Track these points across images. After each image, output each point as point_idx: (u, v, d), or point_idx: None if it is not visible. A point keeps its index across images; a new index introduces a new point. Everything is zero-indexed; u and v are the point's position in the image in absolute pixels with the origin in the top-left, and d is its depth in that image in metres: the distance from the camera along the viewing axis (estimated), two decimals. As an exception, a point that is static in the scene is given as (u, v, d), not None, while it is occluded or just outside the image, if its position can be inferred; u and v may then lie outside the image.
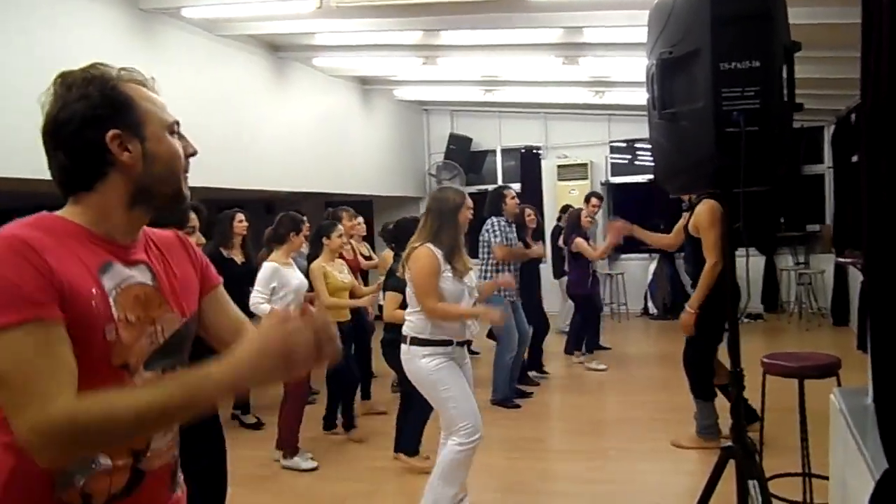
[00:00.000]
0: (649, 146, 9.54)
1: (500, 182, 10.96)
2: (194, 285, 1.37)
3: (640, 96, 8.26)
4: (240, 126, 6.59)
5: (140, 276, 1.22)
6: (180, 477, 1.36)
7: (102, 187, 1.20)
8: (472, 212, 3.40)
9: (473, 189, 10.78)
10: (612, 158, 10.42)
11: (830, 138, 9.15)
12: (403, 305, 3.68)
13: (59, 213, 1.21)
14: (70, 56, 5.48)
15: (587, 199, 7.85)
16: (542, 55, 7.06)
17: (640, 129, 9.81)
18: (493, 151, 11.02)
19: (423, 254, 3.20)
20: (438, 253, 3.20)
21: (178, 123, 1.28)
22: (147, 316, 1.20)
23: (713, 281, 4.04)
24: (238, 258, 5.33)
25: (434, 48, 7.08)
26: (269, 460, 4.47)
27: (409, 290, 3.33)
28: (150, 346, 1.20)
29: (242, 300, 4.35)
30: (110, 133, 1.18)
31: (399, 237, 4.42)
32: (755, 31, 1.92)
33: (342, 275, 4.87)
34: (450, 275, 3.21)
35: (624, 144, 10.46)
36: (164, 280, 1.26)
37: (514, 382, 5.82)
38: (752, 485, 2.19)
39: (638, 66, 6.86)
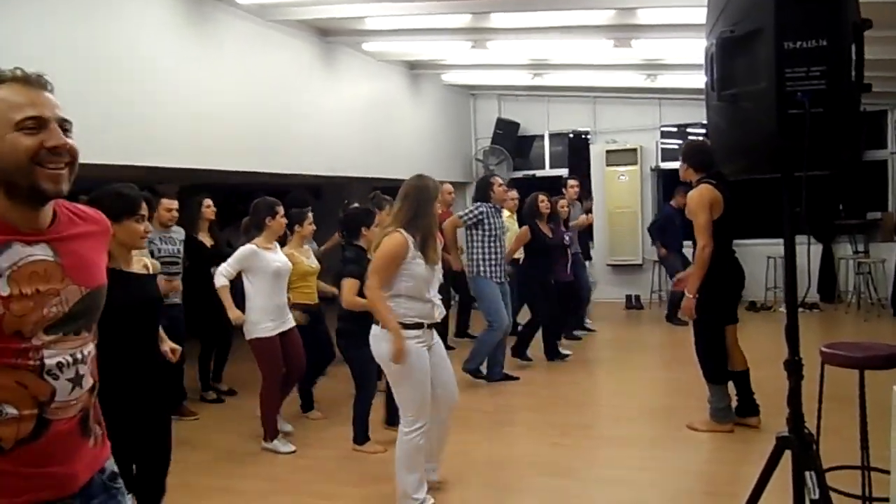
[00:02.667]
0: (702, 131, 9.46)
1: (547, 168, 10.89)
2: (100, 266, 1.52)
3: (694, 79, 8.06)
4: (289, 111, 6.67)
5: (41, 253, 1.38)
6: (97, 430, 1.52)
7: None
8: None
9: (520, 174, 10.74)
10: (662, 143, 10.21)
11: (894, 123, 8.79)
12: (360, 294, 3.83)
13: None
14: (126, 44, 5.67)
15: (564, 184, 8.01)
16: (593, 37, 6.95)
17: (692, 114, 9.62)
18: (541, 136, 10.91)
19: (395, 238, 3.27)
20: (410, 240, 3.28)
21: (36, 119, 1.36)
22: (49, 289, 1.38)
23: (705, 264, 4.18)
24: (207, 241, 5.56)
25: (483, 31, 7.03)
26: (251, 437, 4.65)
27: None
28: (54, 314, 1.38)
29: (209, 282, 4.51)
30: None
31: (349, 226, 4.52)
32: (822, 8, 1.85)
33: (309, 260, 5.02)
34: (421, 261, 3.29)
35: (675, 129, 10.23)
36: (67, 257, 1.43)
37: (498, 366, 5.96)
38: (809, 476, 2.14)
39: (692, 48, 6.70)
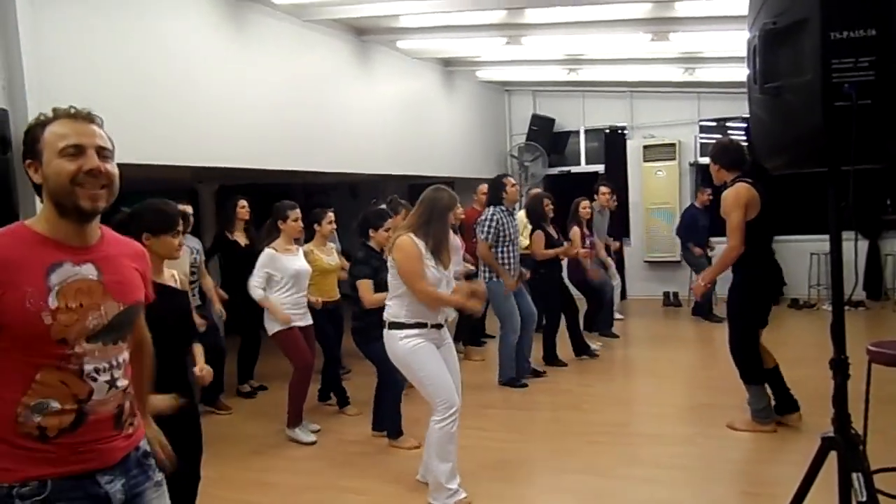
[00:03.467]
0: (742, 125, 9.32)
1: (583, 164, 10.80)
2: (137, 284, 1.75)
3: (734, 72, 7.91)
4: (325, 110, 6.73)
5: (86, 272, 1.61)
6: (133, 421, 1.74)
7: (45, 202, 1.61)
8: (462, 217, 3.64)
9: (555, 171, 10.66)
10: (701, 138, 10.04)
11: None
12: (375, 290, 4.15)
13: (28, 221, 1.62)
14: (167, 47, 5.78)
15: (596, 190, 7.96)
16: (630, 31, 6.85)
17: (731, 108, 9.43)
18: (577, 132, 10.81)
19: (406, 242, 3.42)
20: (420, 243, 3.42)
21: (76, 147, 1.57)
22: (91, 302, 1.60)
23: (729, 262, 4.17)
24: (241, 241, 5.71)
25: (518, 27, 6.99)
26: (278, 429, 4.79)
27: (389, 276, 3.52)
28: (96, 325, 1.60)
29: (244, 279, 4.74)
30: (26, 162, 1.61)
31: (360, 227, 4.67)
32: (871, -4, 1.80)
33: (329, 258, 5.16)
34: (432, 264, 3.44)
35: (714, 123, 10.05)
36: (109, 276, 1.64)
37: (526, 362, 5.96)
38: (856, 477, 2.09)
39: (733, 41, 6.58)
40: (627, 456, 4.20)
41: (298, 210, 4.77)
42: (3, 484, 1.52)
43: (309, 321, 4.77)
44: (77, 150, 1.57)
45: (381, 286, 4.25)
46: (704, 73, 8.68)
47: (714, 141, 9.08)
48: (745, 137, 9.78)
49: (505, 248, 5.73)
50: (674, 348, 7.24)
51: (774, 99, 1.98)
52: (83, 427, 1.59)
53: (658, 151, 9.90)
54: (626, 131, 10.37)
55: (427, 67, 8.63)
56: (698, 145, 9.97)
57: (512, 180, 5.94)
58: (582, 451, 4.28)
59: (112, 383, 1.64)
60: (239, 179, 8.36)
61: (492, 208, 5.78)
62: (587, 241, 6.95)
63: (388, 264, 3.52)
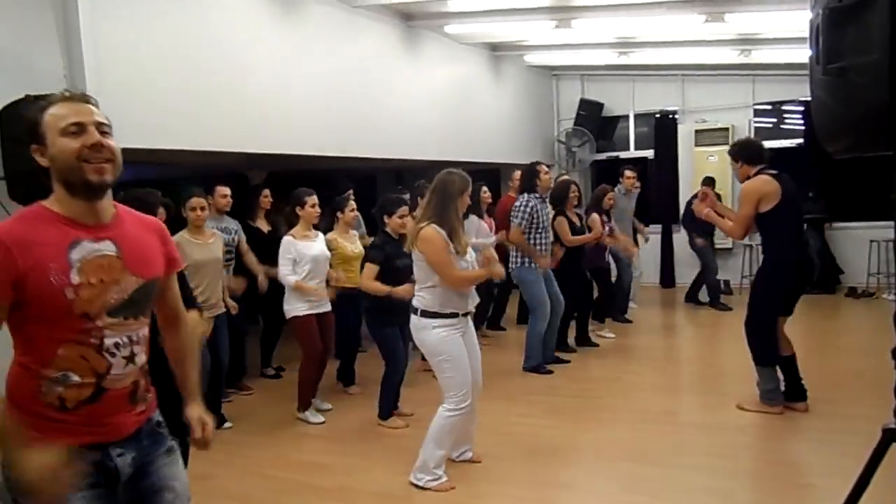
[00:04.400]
0: (799, 108, 9.04)
1: (632, 149, 10.63)
2: (156, 260, 1.81)
3: (792, 54, 7.66)
4: (372, 96, 6.77)
5: (105, 248, 1.67)
6: (147, 397, 1.82)
7: (55, 184, 1.67)
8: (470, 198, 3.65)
9: (603, 156, 10.52)
10: (755, 122, 9.76)
11: None
12: (378, 278, 4.36)
13: (45, 202, 1.67)
14: (215, 33, 5.87)
15: (622, 173, 7.95)
16: (683, 13, 6.68)
17: (788, 90, 9.14)
18: (626, 117, 10.63)
19: (432, 233, 3.45)
20: (442, 232, 3.46)
21: (77, 125, 1.63)
22: (111, 278, 1.66)
23: (727, 234, 4.63)
24: (264, 227, 5.91)
25: (567, 10, 6.90)
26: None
27: (417, 267, 3.57)
28: (116, 300, 1.67)
29: (266, 261, 5.01)
30: (32, 147, 1.67)
31: (378, 213, 4.71)
32: (944, -29, 1.72)
33: (352, 245, 5.27)
34: (455, 254, 3.47)
35: (769, 107, 9.76)
36: (127, 252, 1.71)
37: (550, 350, 6.04)
38: (919, 471, 2.03)
39: (791, 21, 6.36)
40: (676, 444, 4.16)
41: (315, 196, 4.87)
42: None
43: (327, 308, 4.87)
44: (78, 128, 1.63)
45: (392, 272, 4.38)
46: (761, 55, 8.42)
47: (772, 124, 8.88)
48: (801, 121, 9.48)
49: (538, 235, 5.79)
50: (723, 337, 7.10)
51: (838, 80, 1.91)
52: (101, 400, 1.68)
53: (710, 136, 9.67)
54: (677, 115, 10.15)
55: (474, 52, 8.60)
56: (753, 129, 9.70)
57: (545, 167, 5.97)
58: (629, 439, 4.25)
59: (130, 359, 1.72)
60: (288, 166, 8.48)
61: (526, 195, 5.83)
62: (607, 228, 6.92)
63: (414, 257, 3.56)
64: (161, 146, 4.80)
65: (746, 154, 4.53)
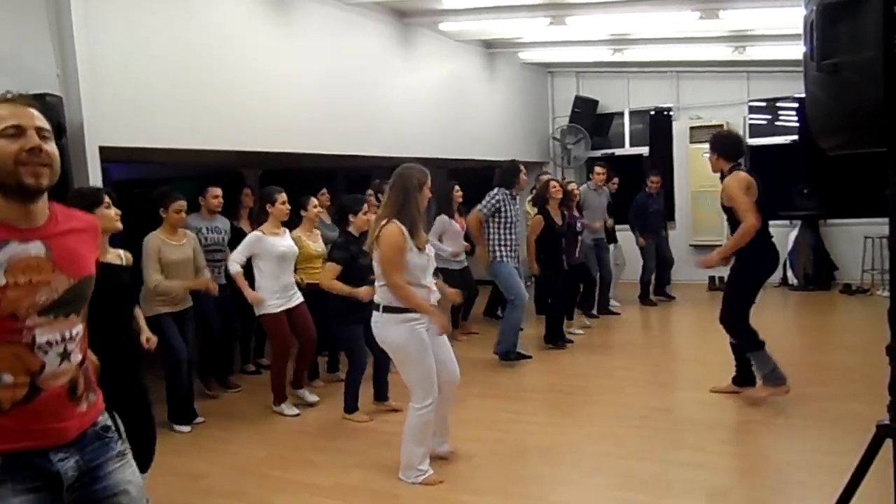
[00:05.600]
0: (793, 105, 9.06)
1: (627, 146, 10.64)
2: (88, 259, 1.79)
3: (787, 50, 7.66)
4: (367, 94, 6.76)
5: (34, 250, 1.65)
6: (90, 396, 1.79)
7: None
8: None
9: (598, 153, 10.52)
10: (750, 119, 9.78)
11: None
12: (339, 278, 4.49)
13: None
14: (210, 31, 5.87)
15: (590, 170, 8.20)
16: (677, 9, 6.69)
17: (783, 87, 9.16)
18: (620, 114, 10.64)
19: (393, 231, 3.43)
20: (405, 230, 3.44)
21: (16, 127, 1.62)
22: (41, 279, 1.64)
23: (746, 239, 4.38)
24: (246, 228, 5.88)
25: (562, 6, 6.88)
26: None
27: (377, 265, 3.54)
28: (46, 300, 1.65)
29: (249, 264, 4.87)
30: None
31: (339, 213, 4.88)
32: (938, -32, 1.72)
33: (315, 244, 5.35)
34: (414, 249, 3.46)
35: (764, 104, 9.78)
36: (58, 252, 1.69)
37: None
38: (913, 467, 2.04)
39: (786, 17, 6.36)
40: (674, 441, 4.16)
41: (285, 194, 4.96)
42: None
43: (298, 300, 4.96)
44: (17, 131, 1.62)
45: (356, 271, 4.48)
46: (755, 52, 8.42)
47: (766, 121, 8.92)
48: (796, 117, 9.50)
49: (506, 231, 5.93)
50: (719, 333, 7.11)
51: (832, 76, 1.92)
52: (36, 400, 1.64)
53: (705, 133, 9.63)
54: (671, 112, 10.16)
55: (469, 50, 8.59)
56: (748, 126, 9.72)
57: (524, 168, 6.14)
58: (627, 436, 4.25)
59: (65, 356, 1.70)
60: (283, 165, 8.46)
61: (497, 189, 5.98)
62: (577, 224, 6.97)
63: (374, 255, 3.56)
64: (154, 145, 4.79)
65: (724, 147, 4.62)
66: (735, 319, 4.60)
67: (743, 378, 4.79)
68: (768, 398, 4.55)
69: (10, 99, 1.68)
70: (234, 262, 4.78)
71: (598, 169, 8.05)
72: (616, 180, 8.27)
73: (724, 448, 4.00)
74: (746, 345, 4.60)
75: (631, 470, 3.75)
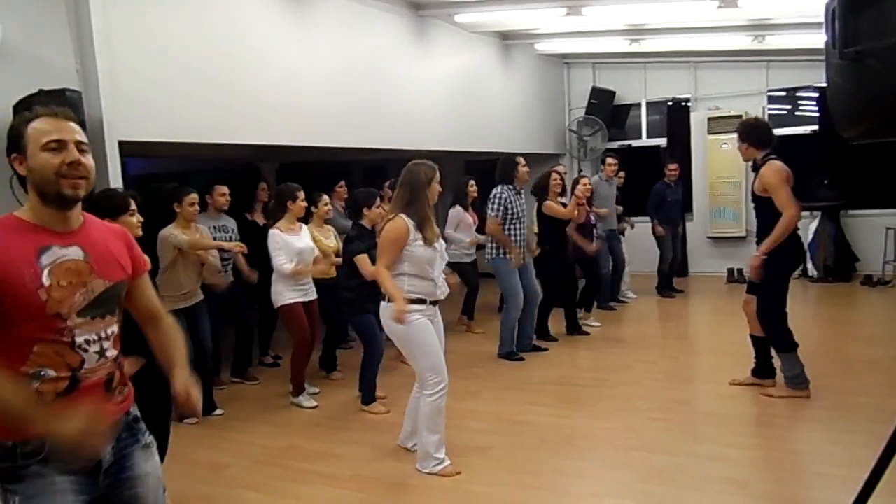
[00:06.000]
0: (813, 94, 8.96)
1: (644, 137, 10.56)
2: (122, 263, 1.91)
3: (807, 39, 7.56)
4: (382, 87, 6.76)
5: (73, 254, 1.78)
6: (123, 389, 1.92)
7: (30, 192, 1.77)
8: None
9: (615, 145, 10.45)
10: (770, 109, 9.67)
11: None
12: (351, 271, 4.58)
13: (17, 212, 1.78)
14: (226, 27, 5.89)
15: (602, 161, 8.13)
16: (695, -1, 6.63)
17: (803, 76, 9.04)
18: (638, 105, 10.56)
19: (397, 223, 3.55)
20: (410, 223, 3.54)
21: (58, 141, 1.73)
22: (79, 280, 1.77)
23: (788, 231, 4.26)
24: (260, 221, 6.00)
25: (578, -3, 6.84)
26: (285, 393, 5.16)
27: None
28: (83, 301, 1.77)
29: (264, 255, 4.98)
30: (11, 156, 1.77)
31: (353, 207, 4.97)
32: (965, -49, 1.69)
33: (327, 240, 5.39)
34: (421, 243, 3.55)
35: (784, 93, 9.66)
36: (94, 256, 1.82)
37: (527, 339, 6.15)
38: (937, 459, 2.01)
39: (805, 5, 6.28)
40: (693, 434, 4.14)
41: (303, 191, 5.02)
42: (7, 442, 1.70)
43: (313, 296, 5.03)
44: (59, 145, 1.74)
45: (374, 262, 4.46)
46: (775, 41, 8.31)
47: (786, 111, 8.81)
48: (816, 107, 9.38)
49: (513, 226, 5.88)
50: (737, 326, 7.05)
51: (855, 64, 1.88)
52: (76, 392, 1.77)
53: (723, 123, 9.59)
54: (689, 103, 10.06)
55: (484, 41, 8.55)
56: (767, 116, 9.60)
57: (524, 161, 6.05)
58: (644, 428, 4.24)
59: (101, 353, 1.82)
60: (299, 158, 8.49)
61: (500, 186, 5.92)
62: (592, 217, 6.97)
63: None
64: (173, 139, 4.83)
65: (755, 136, 4.48)
66: (771, 318, 4.48)
67: (763, 370, 4.73)
68: (786, 399, 4.49)
69: (52, 113, 1.78)
70: (283, 264, 4.77)
71: (609, 160, 8.06)
72: (622, 174, 8.25)
73: (744, 440, 3.98)
74: (780, 344, 4.50)
75: (650, 462, 3.73)
